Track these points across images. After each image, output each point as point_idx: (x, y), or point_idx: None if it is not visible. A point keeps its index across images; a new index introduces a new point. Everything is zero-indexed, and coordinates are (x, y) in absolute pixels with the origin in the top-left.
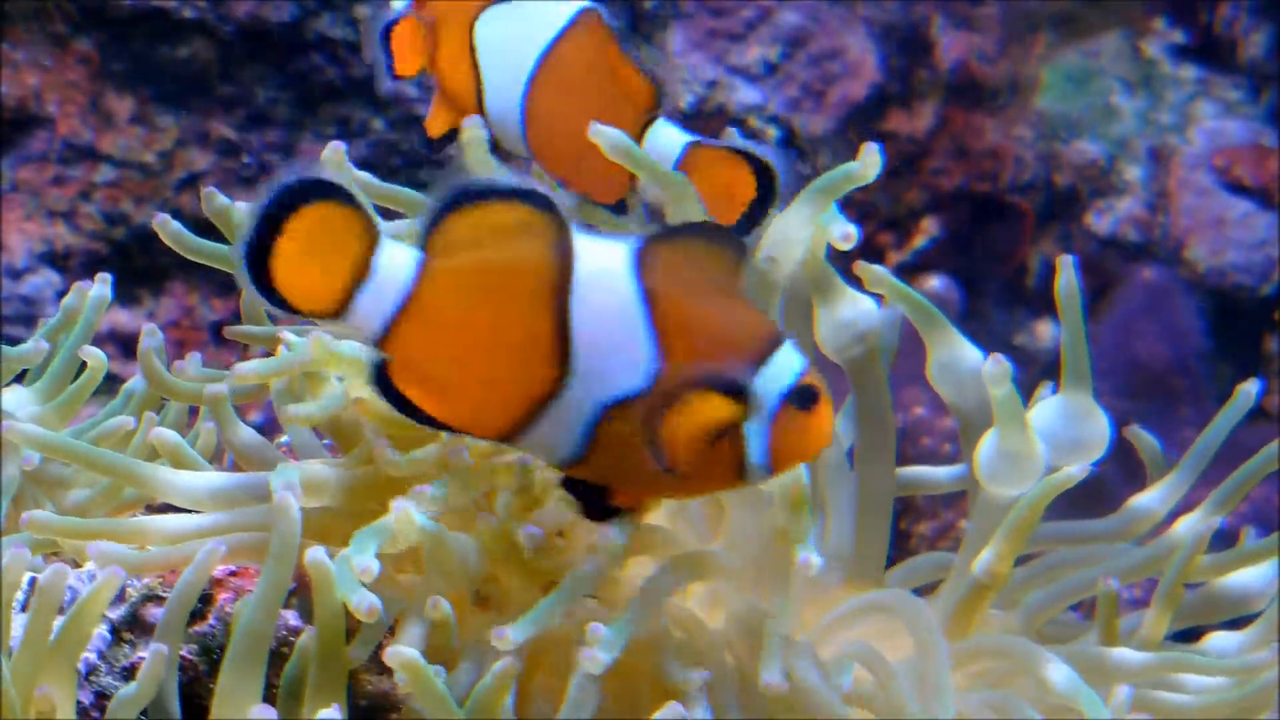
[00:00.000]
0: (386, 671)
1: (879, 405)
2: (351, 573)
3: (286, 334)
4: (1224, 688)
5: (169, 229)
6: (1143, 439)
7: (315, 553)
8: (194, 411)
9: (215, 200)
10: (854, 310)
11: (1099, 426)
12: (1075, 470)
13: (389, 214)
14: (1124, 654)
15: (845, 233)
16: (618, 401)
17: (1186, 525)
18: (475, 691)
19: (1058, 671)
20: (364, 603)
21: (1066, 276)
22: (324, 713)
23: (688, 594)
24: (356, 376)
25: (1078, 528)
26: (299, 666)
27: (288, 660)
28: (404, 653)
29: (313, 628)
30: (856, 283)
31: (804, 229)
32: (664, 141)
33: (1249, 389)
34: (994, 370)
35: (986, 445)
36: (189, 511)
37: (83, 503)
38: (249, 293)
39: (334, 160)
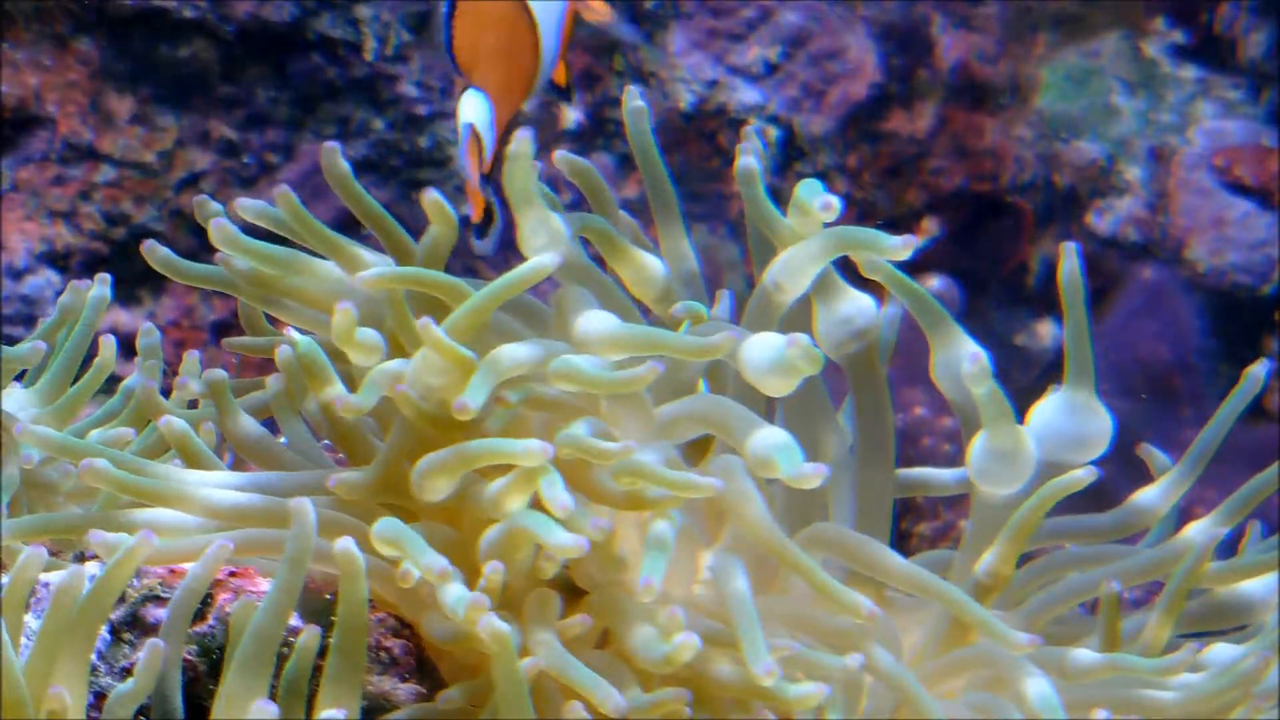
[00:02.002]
0: (387, 672)
1: (878, 403)
2: (418, 537)
3: (291, 332)
4: (1203, 683)
5: (157, 255)
6: (1155, 457)
7: (344, 542)
8: (192, 405)
9: (208, 207)
10: (853, 307)
11: (1101, 422)
12: (1083, 473)
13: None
14: (1080, 654)
15: (826, 202)
16: None
17: (1194, 531)
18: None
19: (1035, 687)
20: (435, 565)
21: (1070, 264)
22: (328, 712)
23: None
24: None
25: (1079, 523)
26: (299, 666)
27: (287, 660)
28: (497, 626)
29: (314, 626)
30: (857, 280)
31: (815, 263)
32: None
33: (1257, 371)
34: (972, 370)
35: (976, 445)
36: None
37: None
38: None
39: (330, 163)
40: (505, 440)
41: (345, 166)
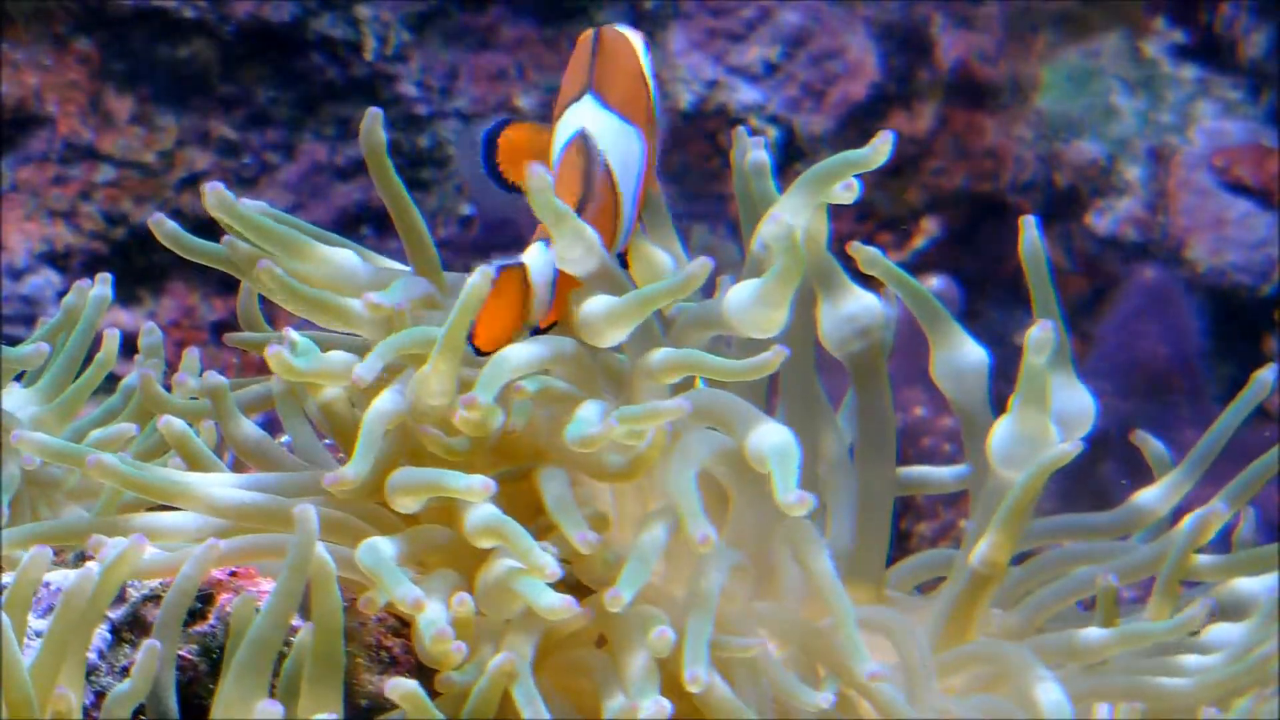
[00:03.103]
0: (387, 671)
1: (880, 402)
2: (395, 568)
3: (290, 332)
4: (1219, 666)
5: (164, 229)
6: (1150, 444)
7: (318, 549)
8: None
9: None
10: (857, 305)
11: (1082, 399)
12: (1069, 446)
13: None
14: (1089, 633)
15: (847, 183)
16: None
17: (1190, 520)
18: (474, 692)
19: (1048, 693)
20: (409, 596)
21: (1029, 235)
22: (320, 717)
23: None
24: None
25: (1079, 522)
26: (296, 664)
27: (285, 658)
28: (404, 685)
29: (310, 625)
30: (861, 277)
31: (798, 217)
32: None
33: (1265, 377)
34: (1039, 336)
35: (1002, 428)
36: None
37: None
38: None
39: (369, 129)
40: (454, 474)
41: (383, 135)
